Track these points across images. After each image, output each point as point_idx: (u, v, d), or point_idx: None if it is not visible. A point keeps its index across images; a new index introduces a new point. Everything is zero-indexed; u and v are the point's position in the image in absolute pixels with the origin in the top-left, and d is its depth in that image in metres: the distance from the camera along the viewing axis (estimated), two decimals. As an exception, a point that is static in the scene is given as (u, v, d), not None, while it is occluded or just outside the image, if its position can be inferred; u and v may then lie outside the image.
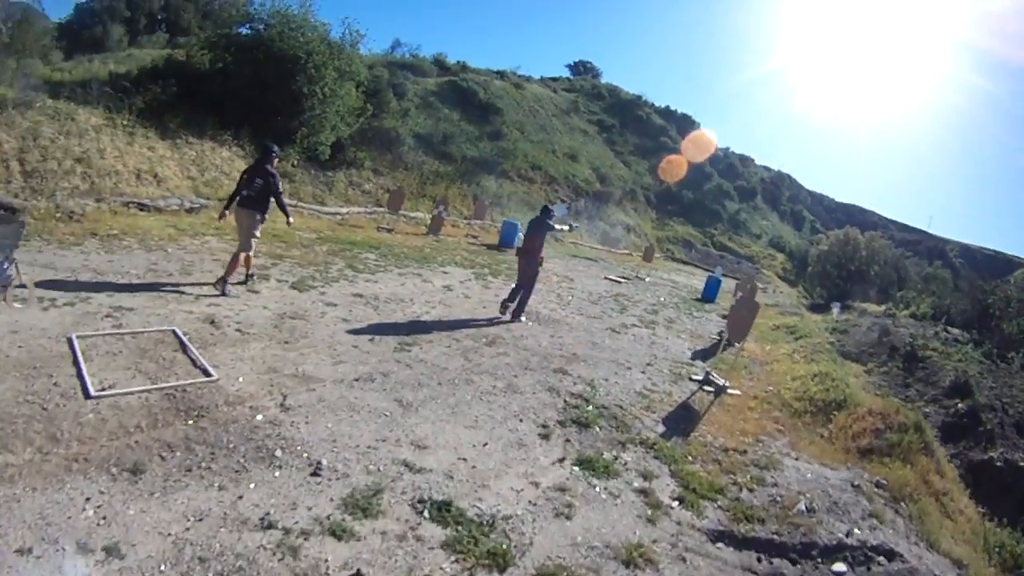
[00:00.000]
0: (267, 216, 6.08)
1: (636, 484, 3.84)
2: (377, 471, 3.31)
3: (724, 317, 12.11)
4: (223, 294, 5.68)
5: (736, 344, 6.87)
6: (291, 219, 6.43)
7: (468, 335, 6.31)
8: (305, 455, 3.31)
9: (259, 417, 3.61)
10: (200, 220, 8.97)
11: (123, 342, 4.28)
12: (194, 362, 4.16)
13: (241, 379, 4.06)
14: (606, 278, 14.26)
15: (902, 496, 4.68)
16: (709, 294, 14.84)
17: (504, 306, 7.29)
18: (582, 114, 38.38)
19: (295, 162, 12.87)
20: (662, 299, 12.96)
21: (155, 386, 3.71)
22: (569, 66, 50.38)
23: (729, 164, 44.57)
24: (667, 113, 47.40)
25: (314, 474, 3.14)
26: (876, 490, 4.69)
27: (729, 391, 6.31)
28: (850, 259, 25.48)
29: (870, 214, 58.86)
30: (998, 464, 6.75)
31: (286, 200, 6.42)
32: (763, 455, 4.81)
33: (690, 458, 4.42)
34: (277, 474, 3.09)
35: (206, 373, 4.02)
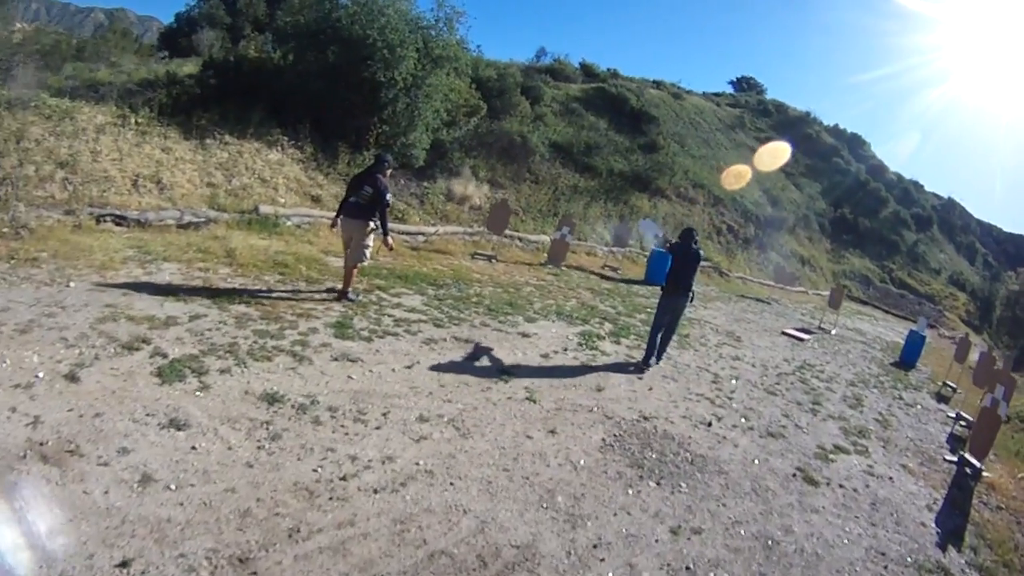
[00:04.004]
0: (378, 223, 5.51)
1: None
2: None
3: (941, 399, 8.34)
4: (351, 301, 5.53)
5: None
6: (391, 241, 5.66)
7: None
8: None
9: None
10: (186, 240, 6.59)
11: None
12: None
13: None
14: (784, 333, 10.24)
15: None
16: (910, 357, 10.69)
17: (642, 368, 5.89)
18: (748, 131, 32.54)
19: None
20: (858, 370, 8.87)
21: None
22: (732, 82, 44.15)
23: (904, 189, 37.16)
24: (837, 132, 39.92)
25: None
26: None
27: None
28: (1048, 305, 18.13)
29: (1044, 249, 44.43)
30: None
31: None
32: None
33: None
34: None
35: None
